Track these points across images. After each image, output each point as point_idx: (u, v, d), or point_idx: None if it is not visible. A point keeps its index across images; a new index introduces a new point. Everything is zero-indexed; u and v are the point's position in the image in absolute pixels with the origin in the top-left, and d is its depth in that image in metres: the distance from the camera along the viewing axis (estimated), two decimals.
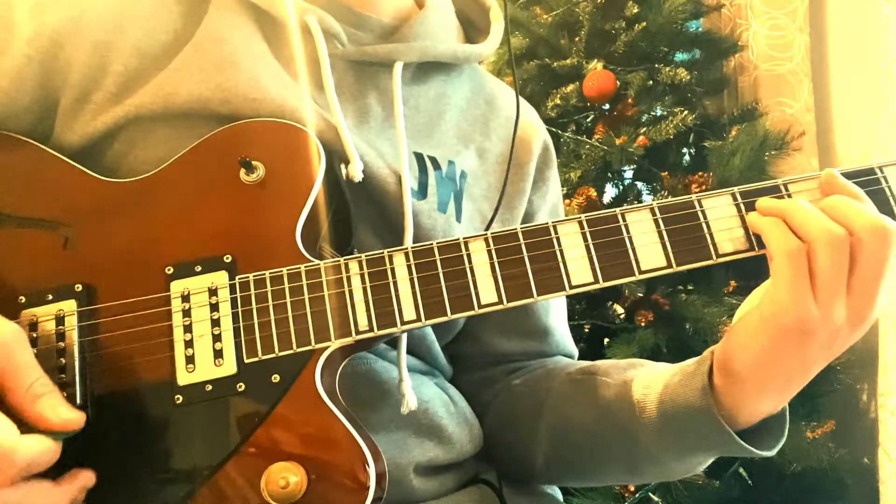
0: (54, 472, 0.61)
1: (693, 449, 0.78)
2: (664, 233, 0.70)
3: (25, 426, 0.59)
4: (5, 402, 0.59)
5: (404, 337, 0.80)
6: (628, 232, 0.70)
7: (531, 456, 0.89)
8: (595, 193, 2.02)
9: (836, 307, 0.65)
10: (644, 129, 2.02)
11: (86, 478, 0.63)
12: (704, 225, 0.70)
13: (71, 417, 0.62)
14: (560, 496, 0.98)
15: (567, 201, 2.00)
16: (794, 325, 0.66)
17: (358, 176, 0.78)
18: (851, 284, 0.66)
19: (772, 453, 0.75)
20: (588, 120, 2.19)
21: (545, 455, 0.89)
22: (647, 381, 0.81)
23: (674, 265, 0.69)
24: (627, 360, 0.88)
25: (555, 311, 0.99)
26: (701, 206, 0.71)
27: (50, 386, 0.62)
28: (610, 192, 2.19)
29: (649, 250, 0.70)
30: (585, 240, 0.70)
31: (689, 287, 1.98)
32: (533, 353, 0.97)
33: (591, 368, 0.89)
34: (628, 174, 2.19)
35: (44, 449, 0.59)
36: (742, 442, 0.73)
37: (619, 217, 0.70)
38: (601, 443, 0.84)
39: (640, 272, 0.69)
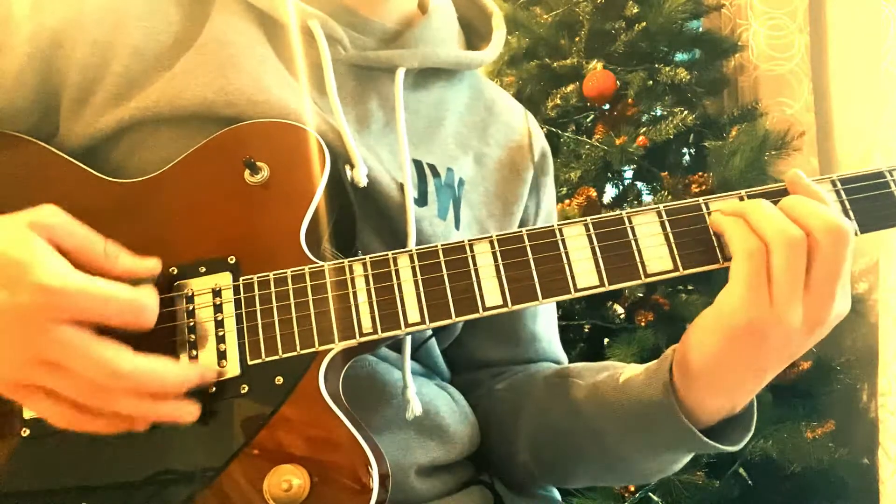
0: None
1: (659, 447, 0.79)
2: (671, 236, 0.69)
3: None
4: (90, 271, 0.62)
5: (408, 342, 0.80)
6: (634, 235, 0.70)
7: (513, 459, 0.90)
8: (595, 193, 2.02)
9: (791, 309, 0.65)
10: (644, 129, 2.02)
11: (208, 372, 0.66)
12: (711, 228, 0.70)
13: (151, 264, 0.67)
14: (559, 496, 0.98)
15: (567, 201, 2.00)
16: (748, 326, 0.66)
17: (363, 180, 0.78)
18: (808, 286, 0.65)
19: (736, 448, 0.76)
20: (588, 120, 2.19)
21: (526, 458, 0.89)
22: (616, 381, 0.81)
23: (681, 269, 0.69)
24: (601, 363, 0.89)
25: (542, 318, 0.99)
26: (708, 208, 0.70)
27: (117, 246, 0.66)
28: (610, 192, 2.19)
29: (656, 253, 0.69)
30: (591, 242, 0.69)
31: (689, 287, 1.98)
32: (519, 360, 0.97)
33: (565, 371, 0.90)
34: (628, 174, 2.19)
35: (153, 292, 0.64)
36: (704, 438, 0.73)
37: (626, 220, 0.70)
38: (575, 444, 0.85)
39: (647, 275, 0.69)
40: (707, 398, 0.73)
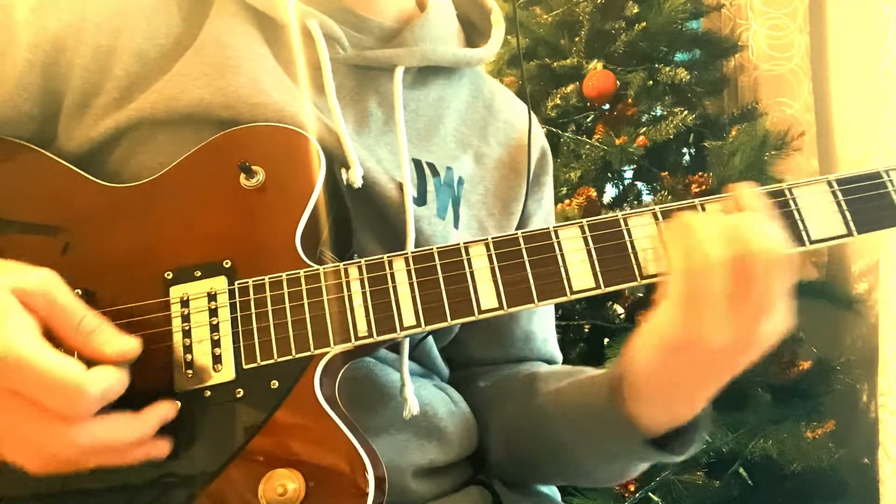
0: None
1: (608, 453, 0.79)
2: None
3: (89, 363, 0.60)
4: (63, 346, 0.60)
5: (406, 342, 0.80)
6: (630, 236, 0.69)
7: (488, 456, 0.91)
8: (595, 193, 2.01)
9: (721, 327, 0.64)
10: (644, 129, 2.02)
11: (166, 409, 0.64)
12: None
13: (128, 346, 0.63)
14: (558, 497, 0.98)
15: (567, 201, 2.00)
16: (677, 342, 0.66)
17: (358, 182, 0.78)
18: (741, 306, 0.64)
19: (679, 458, 0.76)
20: (588, 120, 2.18)
21: (498, 456, 0.90)
22: (574, 388, 0.82)
23: None
24: (571, 367, 0.90)
25: (538, 316, 0.98)
26: (704, 209, 0.70)
27: (98, 320, 0.63)
28: (610, 192, 2.19)
29: (652, 255, 0.69)
30: (587, 244, 0.69)
31: None
32: (511, 358, 0.97)
33: (536, 375, 0.90)
34: (628, 174, 2.19)
35: (112, 377, 0.60)
36: (646, 445, 0.74)
37: (622, 222, 0.70)
38: (538, 448, 0.86)
39: (643, 277, 0.69)
40: (646, 410, 0.73)
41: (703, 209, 0.70)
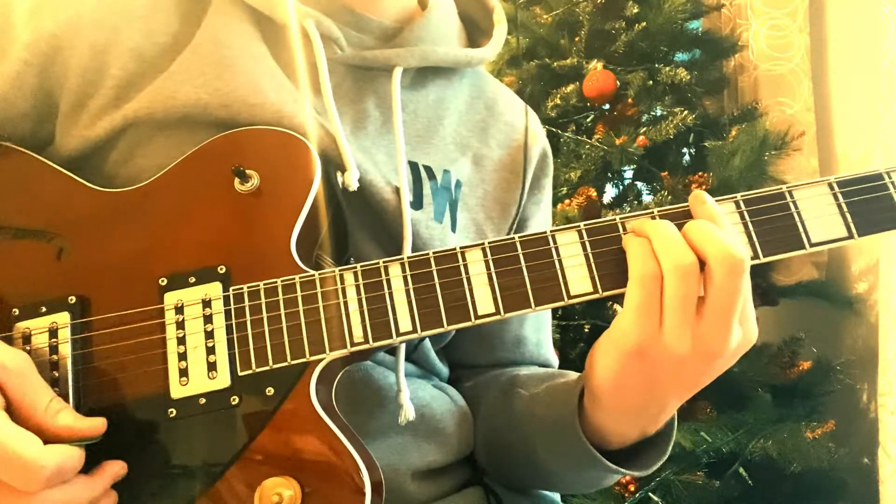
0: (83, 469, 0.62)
1: (576, 466, 0.78)
2: None
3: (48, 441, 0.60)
4: (26, 425, 0.60)
5: (402, 346, 0.79)
6: None
7: (477, 458, 0.90)
8: (595, 193, 2.01)
9: (679, 336, 0.63)
10: (644, 129, 2.02)
11: (117, 467, 0.64)
12: None
13: (93, 424, 0.63)
14: (558, 497, 0.97)
15: (567, 201, 2.00)
16: (636, 350, 0.65)
17: (354, 185, 0.77)
18: (701, 315, 0.64)
19: (646, 472, 0.75)
20: (588, 120, 2.18)
21: (480, 459, 0.90)
22: (548, 396, 0.81)
23: None
24: (551, 371, 0.89)
25: (531, 321, 0.97)
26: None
27: (63, 402, 0.63)
28: (610, 192, 2.19)
29: None
30: (585, 249, 0.69)
31: None
32: (502, 362, 0.96)
33: (515, 380, 0.89)
34: (628, 174, 2.19)
35: (69, 455, 0.60)
36: (603, 460, 0.73)
37: (620, 226, 0.69)
38: (514, 453, 0.85)
39: None
40: (609, 420, 0.73)
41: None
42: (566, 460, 0.78)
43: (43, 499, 0.59)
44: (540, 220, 0.99)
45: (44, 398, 0.62)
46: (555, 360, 1.01)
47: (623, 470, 0.74)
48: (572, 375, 0.83)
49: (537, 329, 0.99)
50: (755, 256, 0.68)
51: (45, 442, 0.59)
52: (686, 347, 0.64)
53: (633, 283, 0.65)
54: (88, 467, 0.62)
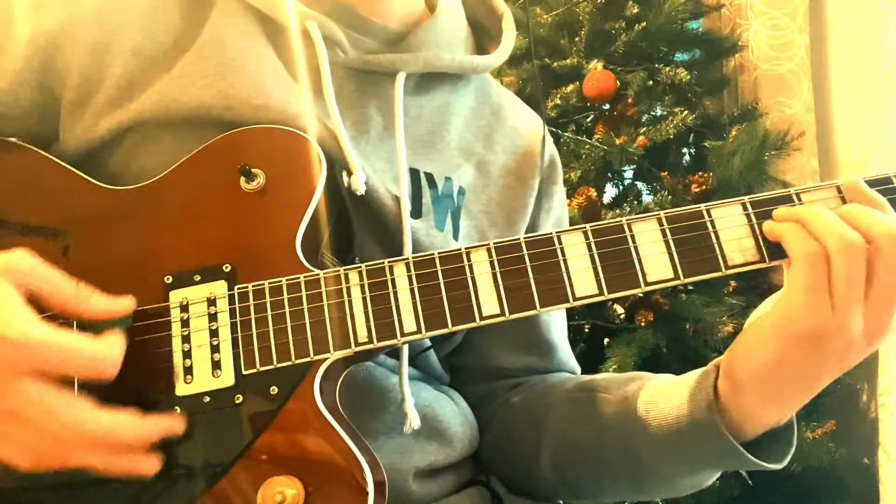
0: None
1: (699, 464, 0.77)
2: (671, 243, 0.68)
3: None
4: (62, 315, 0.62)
5: (406, 352, 0.79)
6: (634, 242, 0.68)
7: (535, 474, 0.88)
8: (595, 193, 2.01)
9: (852, 317, 0.63)
10: (644, 129, 2.01)
11: (174, 422, 0.65)
12: (713, 235, 0.68)
13: (123, 303, 0.66)
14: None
15: (567, 201, 1.99)
16: (808, 333, 0.64)
17: (361, 188, 0.77)
18: (869, 295, 0.63)
19: (780, 465, 0.73)
20: (588, 120, 2.18)
21: (549, 475, 0.87)
22: (650, 396, 0.79)
23: (682, 277, 0.68)
24: (626, 374, 0.86)
25: (556, 327, 0.96)
26: (710, 215, 0.69)
27: (90, 288, 0.64)
28: (610, 192, 2.18)
29: (656, 261, 0.68)
30: (590, 250, 0.68)
31: (689, 287, 1.97)
32: (536, 369, 0.95)
33: (589, 384, 0.87)
34: (628, 174, 2.18)
35: (121, 339, 0.62)
36: (750, 457, 0.71)
37: (626, 227, 0.69)
38: (604, 461, 0.83)
39: (647, 284, 0.67)
40: (757, 408, 0.71)
41: (709, 214, 0.69)
42: (686, 459, 0.76)
43: (94, 418, 0.60)
44: (550, 227, 0.98)
45: (70, 287, 0.63)
46: (578, 367, 1.00)
47: (764, 464, 0.72)
48: (655, 376, 0.82)
49: (562, 336, 0.98)
50: (762, 261, 0.68)
51: (82, 329, 0.62)
52: (858, 327, 0.64)
53: (800, 263, 0.64)
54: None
